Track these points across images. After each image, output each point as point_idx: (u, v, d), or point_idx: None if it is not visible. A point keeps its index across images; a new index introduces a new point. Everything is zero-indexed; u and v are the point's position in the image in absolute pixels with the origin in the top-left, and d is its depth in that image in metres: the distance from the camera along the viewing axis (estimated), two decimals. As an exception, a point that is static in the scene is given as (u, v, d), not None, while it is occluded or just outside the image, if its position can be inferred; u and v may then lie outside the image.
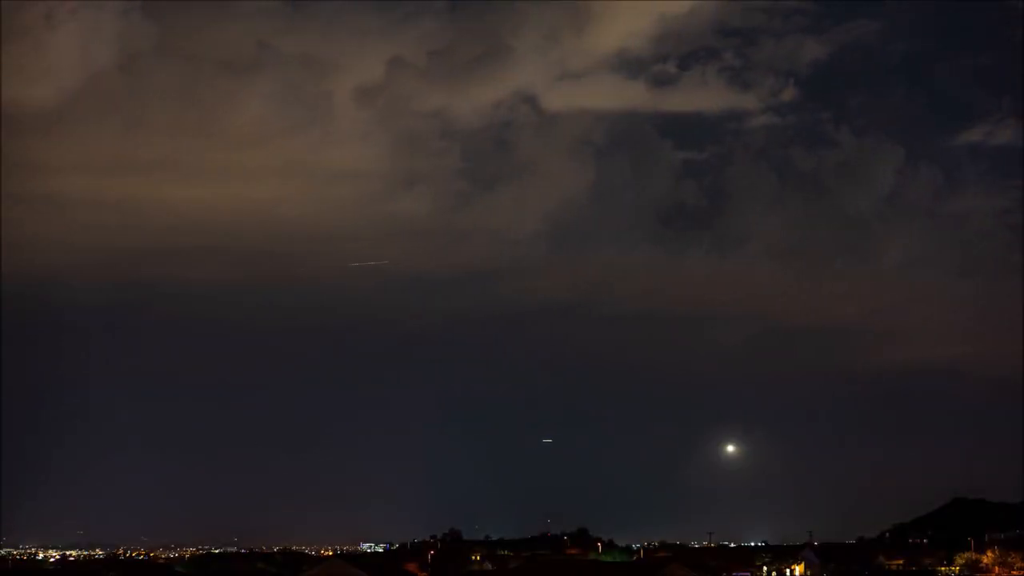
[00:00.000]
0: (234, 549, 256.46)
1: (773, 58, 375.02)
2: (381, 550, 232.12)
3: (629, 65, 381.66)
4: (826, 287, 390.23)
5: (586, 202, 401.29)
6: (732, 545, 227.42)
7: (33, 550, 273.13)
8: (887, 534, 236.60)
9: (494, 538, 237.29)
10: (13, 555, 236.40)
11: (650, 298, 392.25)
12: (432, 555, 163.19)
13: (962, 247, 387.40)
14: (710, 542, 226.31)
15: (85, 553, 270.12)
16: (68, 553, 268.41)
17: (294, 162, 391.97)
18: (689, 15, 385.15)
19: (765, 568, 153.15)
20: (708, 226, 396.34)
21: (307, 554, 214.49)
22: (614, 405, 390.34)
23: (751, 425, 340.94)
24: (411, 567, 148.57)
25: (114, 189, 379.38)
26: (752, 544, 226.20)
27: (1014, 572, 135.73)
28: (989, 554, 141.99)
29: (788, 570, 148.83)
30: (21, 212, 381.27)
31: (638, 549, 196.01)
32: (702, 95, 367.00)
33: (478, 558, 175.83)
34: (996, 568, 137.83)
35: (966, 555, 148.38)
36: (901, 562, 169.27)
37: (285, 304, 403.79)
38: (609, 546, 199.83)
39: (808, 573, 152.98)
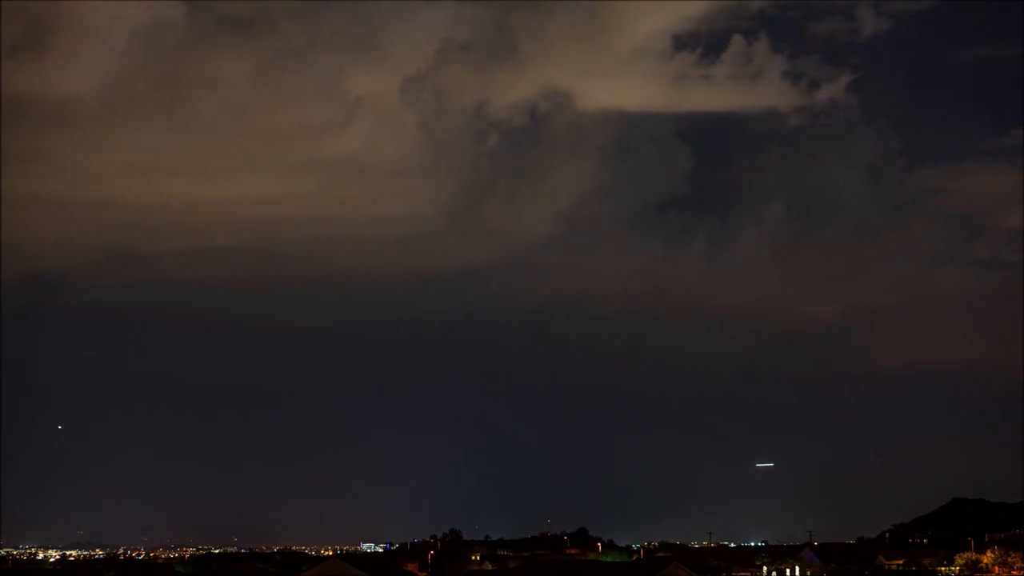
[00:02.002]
0: (234, 549, 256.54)
1: (794, 58, 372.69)
2: (381, 550, 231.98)
3: (655, 64, 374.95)
4: (828, 288, 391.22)
5: (598, 202, 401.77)
6: (732, 545, 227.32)
7: (33, 550, 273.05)
8: (887, 534, 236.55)
9: (494, 538, 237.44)
10: (13, 555, 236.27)
11: (654, 299, 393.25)
12: (432, 555, 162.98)
13: (964, 249, 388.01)
14: (710, 542, 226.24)
15: (85, 553, 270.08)
16: (68, 553, 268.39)
17: (310, 161, 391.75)
18: (721, 12, 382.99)
19: (765, 568, 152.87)
20: (714, 227, 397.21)
21: (307, 554, 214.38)
22: (615, 405, 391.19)
23: (752, 425, 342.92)
24: (411, 567, 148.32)
25: (120, 189, 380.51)
26: (752, 544, 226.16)
27: (1014, 572, 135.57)
28: (989, 554, 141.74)
29: (788, 570, 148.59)
30: (24, 212, 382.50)
31: (638, 549, 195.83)
32: (725, 94, 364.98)
33: (478, 558, 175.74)
34: (996, 568, 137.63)
35: (966, 555, 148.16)
36: (901, 562, 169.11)
37: (289, 305, 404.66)
38: (609, 546, 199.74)
39: (808, 573, 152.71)
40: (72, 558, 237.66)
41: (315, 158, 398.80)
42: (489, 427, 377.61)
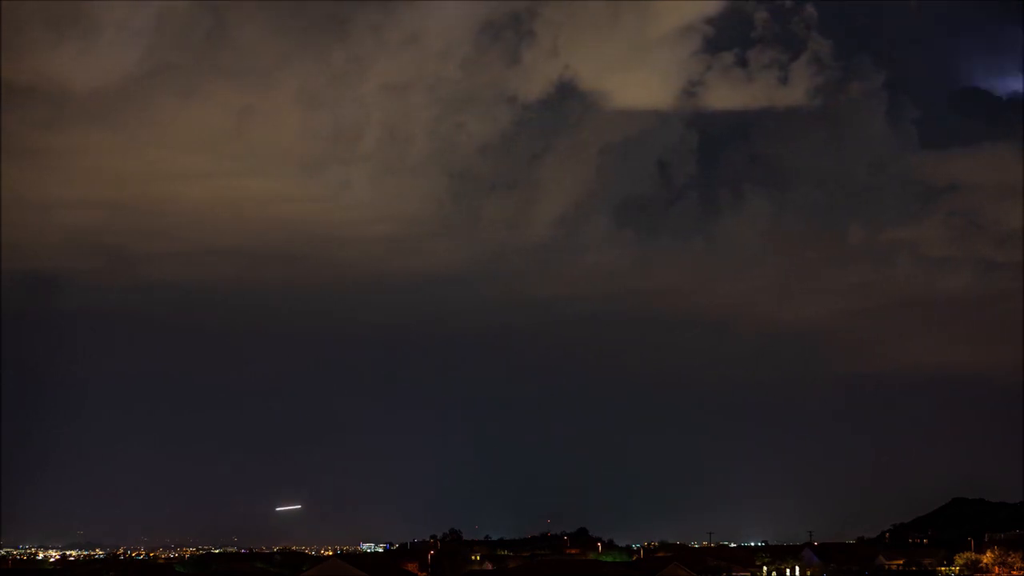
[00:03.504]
0: (234, 549, 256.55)
1: (802, 58, 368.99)
2: (381, 550, 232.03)
3: (670, 61, 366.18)
4: (829, 288, 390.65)
5: (602, 201, 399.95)
6: (732, 545, 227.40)
7: (33, 550, 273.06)
8: (887, 534, 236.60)
9: (494, 538, 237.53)
10: (13, 555, 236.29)
11: (655, 298, 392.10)
12: (432, 555, 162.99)
13: (967, 249, 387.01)
14: (710, 542, 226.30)
15: (85, 553, 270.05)
16: (68, 553, 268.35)
17: (315, 160, 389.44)
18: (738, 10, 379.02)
19: (765, 568, 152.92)
20: (717, 227, 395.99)
21: (307, 554, 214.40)
22: (615, 405, 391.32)
23: (752, 425, 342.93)
24: (411, 567, 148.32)
25: (121, 189, 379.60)
26: (752, 544, 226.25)
27: (1014, 572, 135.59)
28: (989, 554, 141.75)
29: (788, 570, 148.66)
30: (24, 212, 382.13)
31: (638, 549, 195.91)
32: (741, 92, 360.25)
33: (478, 558, 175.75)
34: (996, 568, 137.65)
35: (966, 555, 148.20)
36: (901, 562, 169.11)
37: (289, 306, 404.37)
38: (609, 546, 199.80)
39: (808, 573, 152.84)
40: (72, 558, 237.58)
41: (318, 159, 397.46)
42: (489, 427, 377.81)
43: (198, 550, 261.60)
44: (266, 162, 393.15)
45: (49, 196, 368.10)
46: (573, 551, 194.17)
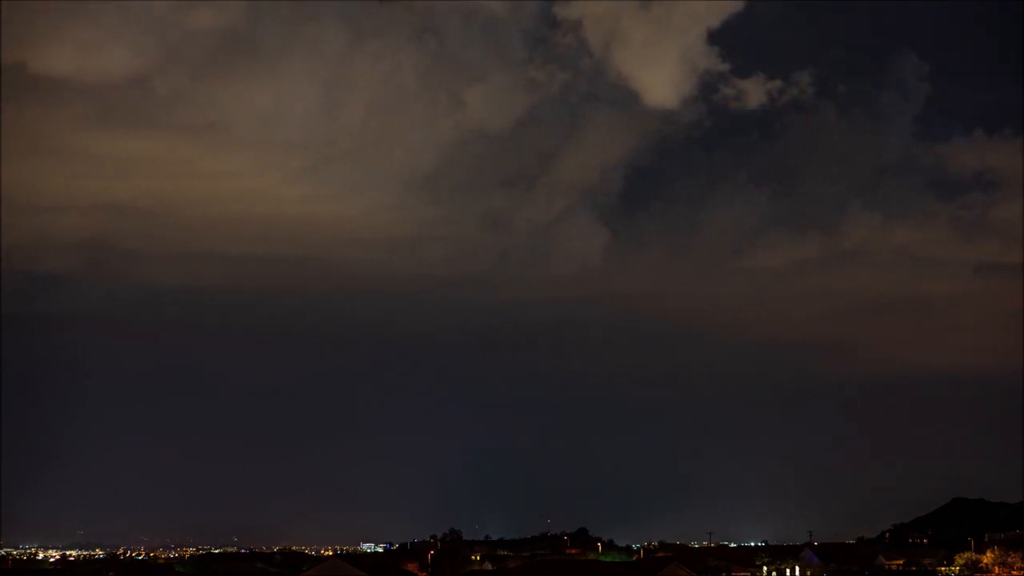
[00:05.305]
0: (234, 549, 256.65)
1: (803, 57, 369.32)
2: (381, 550, 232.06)
3: (677, 61, 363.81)
4: (828, 288, 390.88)
5: (601, 203, 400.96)
6: (732, 545, 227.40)
7: (33, 550, 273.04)
8: (887, 534, 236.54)
9: (494, 538, 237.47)
10: (13, 555, 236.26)
11: (654, 302, 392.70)
12: (432, 555, 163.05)
13: (962, 250, 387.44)
14: (710, 542, 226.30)
15: (85, 553, 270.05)
16: (68, 553, 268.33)
17: (316, 161, 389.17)
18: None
19: (765, 568, 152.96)
20: (714, 230, 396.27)
21: (307, 554, 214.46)
22: (616, 405, 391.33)
23: (752, 425, 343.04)
24: (411, 567, 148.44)
25: (121, 190, 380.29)
26: (752, 544, 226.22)
27: (1014, 572, 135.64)
28: (989, 554, 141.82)
29: (788, 570, 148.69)
30: (24, 212, 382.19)
31: (638, 549, 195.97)
32: (748, 92, 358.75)
33: (478, 558, 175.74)
34: (996, 568, 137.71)
35: (966, 555, 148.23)
36: (901, 562, 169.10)
37: (288, 308, 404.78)
38: (609, 546, 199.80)
39: (808, 573, 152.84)
40: (72, 558, 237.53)
41: (319, 159, 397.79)
42: (489, 427, 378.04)
43: (198, 550, 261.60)
44: (268, 163, 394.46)
45: (50, 197, 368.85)
46: (573, 551, 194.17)
